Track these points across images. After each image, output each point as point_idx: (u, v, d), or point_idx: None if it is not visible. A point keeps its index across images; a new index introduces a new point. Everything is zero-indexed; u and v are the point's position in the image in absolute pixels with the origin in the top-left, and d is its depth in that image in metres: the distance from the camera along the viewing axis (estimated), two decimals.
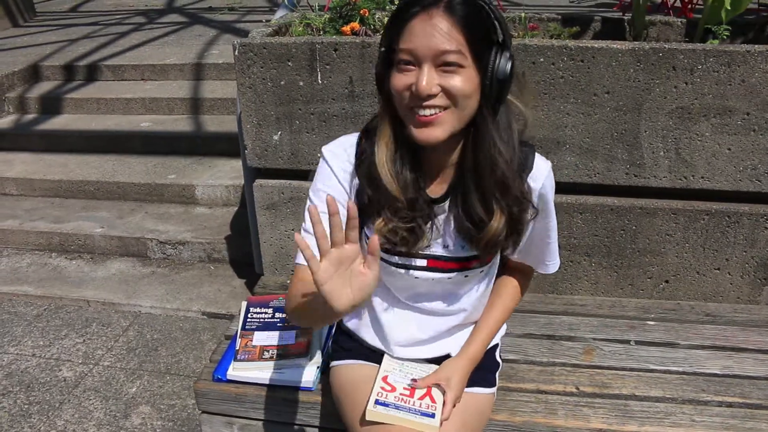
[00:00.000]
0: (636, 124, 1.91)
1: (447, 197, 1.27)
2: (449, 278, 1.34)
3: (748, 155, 1.89)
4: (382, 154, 1.20)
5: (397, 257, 1.32)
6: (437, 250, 1.31)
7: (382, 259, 1.33)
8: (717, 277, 2.06)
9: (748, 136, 1.87)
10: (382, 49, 1.16)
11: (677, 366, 1.70)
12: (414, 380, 1.38)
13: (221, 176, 3.47)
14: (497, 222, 1.21)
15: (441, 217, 1.29)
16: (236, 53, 2.05)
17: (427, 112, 1.10)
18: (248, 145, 2.17)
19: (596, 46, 1.84)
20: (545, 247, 1.42)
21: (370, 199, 1.24)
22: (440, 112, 1.10)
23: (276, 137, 2.13)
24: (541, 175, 1.28)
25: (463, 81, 1.08)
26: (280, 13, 2.56)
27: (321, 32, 2.22)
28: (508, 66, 1.11)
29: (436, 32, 1.06)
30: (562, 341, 1.81)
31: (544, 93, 1.92)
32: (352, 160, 1.29)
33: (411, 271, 1.34)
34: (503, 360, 1.69)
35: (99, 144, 3.92)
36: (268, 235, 2.29)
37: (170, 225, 3.25)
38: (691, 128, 1.88)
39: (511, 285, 1.49)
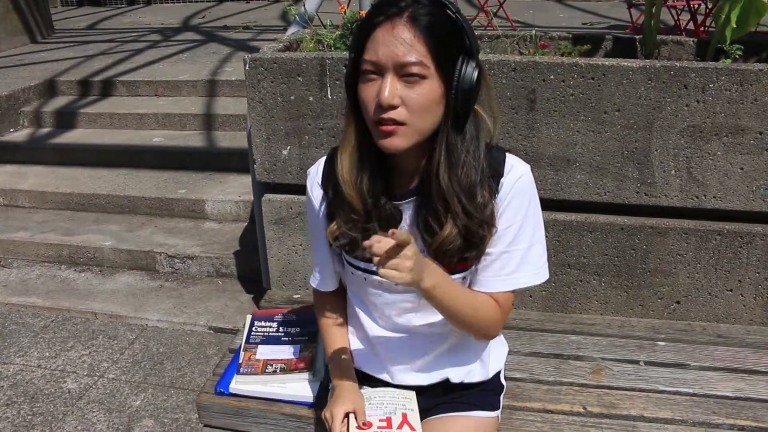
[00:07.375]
0: (647, 143, 1.89)
1: (410, 198, 1.24)
2: None
3: (762, 175, 1.87)
4: (344, 164, 1.21)
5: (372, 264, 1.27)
6: None
7: (357, 267, 1.32)
8: (729, 299, 2.02)
9: (761, 155, 1.84)
10: (352, 55, 1.15)
11: (687, 387, 1.66)
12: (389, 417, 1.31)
13: (231, 192, 3.48)
14: (447, 231, 1.17)
15: (407, 218, 1.25)
16: (247, 68, 2.06)
17: (389, 123, 1.09)
18: (257, 159, 2.17)
19: (607, 63, 1.84)
20: (511, 256, 1.25)
21: (333, 207, 1.27)
22: (400, 125, 1.10)
23: (285, 152, 2.13)
24: (517, 172, 1.22)
25: (425, 92, 1.08)
26: (292, 29, 2.58)
27: (332, 48, 2.24)
28: (474, 75, 1.10)
29: (399, 43, 1.06)
30: (570, 360, 1.78)
31: (554, 110, 1.91)
32: (320, 177, 1.33)
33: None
34: (509, 378, 1.67)
35: (111, 158, 3.96)
36: (276, 249, 2.28)
37: (179, 239, 3.25)
38: (703, 147, 1.87)
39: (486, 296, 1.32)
